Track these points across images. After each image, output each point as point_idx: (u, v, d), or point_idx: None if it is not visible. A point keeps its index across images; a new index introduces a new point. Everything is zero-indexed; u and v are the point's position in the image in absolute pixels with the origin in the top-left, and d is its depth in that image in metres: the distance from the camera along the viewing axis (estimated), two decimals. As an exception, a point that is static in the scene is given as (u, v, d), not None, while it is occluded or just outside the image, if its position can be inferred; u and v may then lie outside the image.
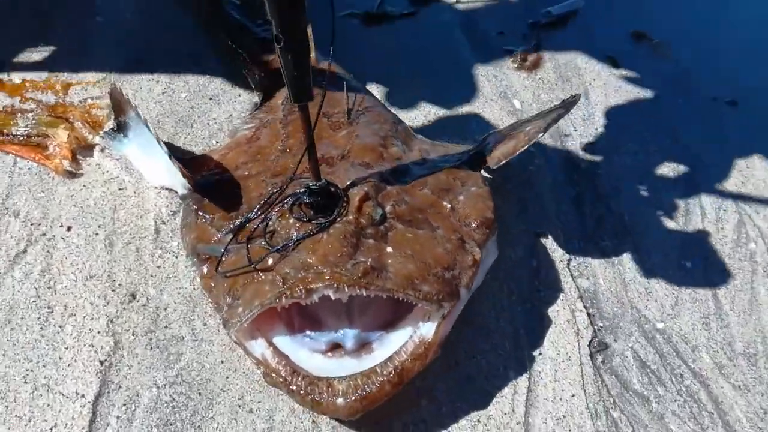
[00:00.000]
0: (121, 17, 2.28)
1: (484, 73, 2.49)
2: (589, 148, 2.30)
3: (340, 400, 1.31)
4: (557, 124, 1.94)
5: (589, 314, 1.79)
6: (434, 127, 2.22)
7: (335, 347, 1.42)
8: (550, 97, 2.46)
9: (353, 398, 1.31)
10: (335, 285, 1.29)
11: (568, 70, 2.60)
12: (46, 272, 1.57)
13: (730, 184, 2.26)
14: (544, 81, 2.53)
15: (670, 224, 2.10)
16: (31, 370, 1.42)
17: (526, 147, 1.73)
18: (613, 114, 2.46)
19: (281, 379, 1.34)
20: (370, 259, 1.35)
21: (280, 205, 1.45)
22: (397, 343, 1.38)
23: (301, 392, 1.33)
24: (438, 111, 2.29)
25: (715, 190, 2.24)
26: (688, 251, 2.01)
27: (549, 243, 1.93)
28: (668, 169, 2.29)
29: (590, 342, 1.73)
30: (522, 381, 1.60)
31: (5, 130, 1.81)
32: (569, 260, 1.90)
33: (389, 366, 1.34)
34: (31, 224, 1.66)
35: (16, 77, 1.99)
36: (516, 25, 2.78)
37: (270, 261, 1.38)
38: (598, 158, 2.26)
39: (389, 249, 1.41)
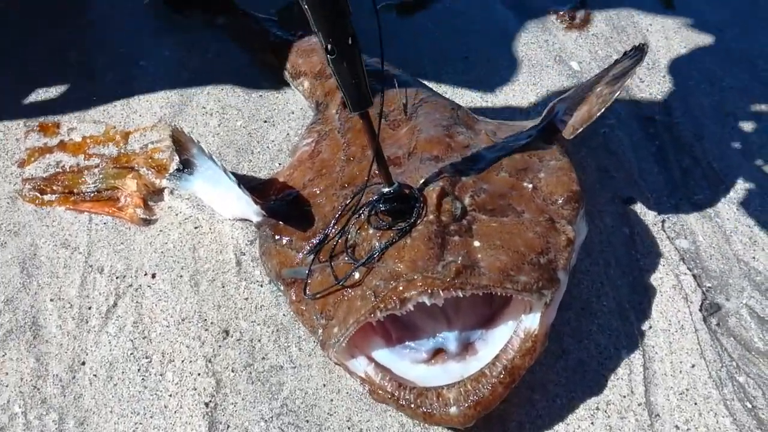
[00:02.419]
0: (161, 57, 2.30)
1: (534, 40, 2.39)
2: (660, 96, 2.17)
3: (453, 410, 1.26)
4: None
5: (694, 276, 1.68)
6: (494, 107, 2.14)
7: (437, 353, 1.39)
8: (607, 52, 2.33)
9: (466, 405, 1.26)
10: (429, 290, 1.24)
11: (621, 20, 2.46)
12: (138, 323, 1.59)
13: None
14: (598, 36, 2.41)
15: (762, 163, 1.96)
16: (140, 423, 1.43)
17: (602, 110, 1.63)
18: (678, 56, 2.32)
19: (388, 395, 1.31)
20: (459, 258, 1.30)
21: (356, 216, 1.42)
22: (501, 340, 1.33)
23: (411, 405, 1.29)
24: (494, 88, 2.20)
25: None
26: (790, 188, 1.87)
27: (638, 207, 1.83)
28: (748, 104, 2.14)
29: (701, 305, 1.62)
30: (636, 359, 1.52)
31: (76, 190, 1.85)
32: (663, 221, 1.80)
33: (498, 366, 1.28)
34: (117, 278, 1.68)
35: (76, 136, 2.03)
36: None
37: (357, 276, 1.35)
38: (672, 106, 2.13)
39: (477, 243, 1.35)
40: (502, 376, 1.27)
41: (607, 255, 1.72)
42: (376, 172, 1.37)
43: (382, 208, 1.38)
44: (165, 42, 2.36)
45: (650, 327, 1.58)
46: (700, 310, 1.61)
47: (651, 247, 1.74)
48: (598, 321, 1.59)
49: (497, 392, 1.27)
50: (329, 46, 1.17)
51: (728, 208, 1.83)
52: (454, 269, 1.27)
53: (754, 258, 1.72)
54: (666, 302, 1.62)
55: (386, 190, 1.37)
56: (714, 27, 2.42)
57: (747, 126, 2.07)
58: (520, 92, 2.19)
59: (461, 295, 1.27)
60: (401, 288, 1.26)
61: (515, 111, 2.11)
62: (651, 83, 2.21)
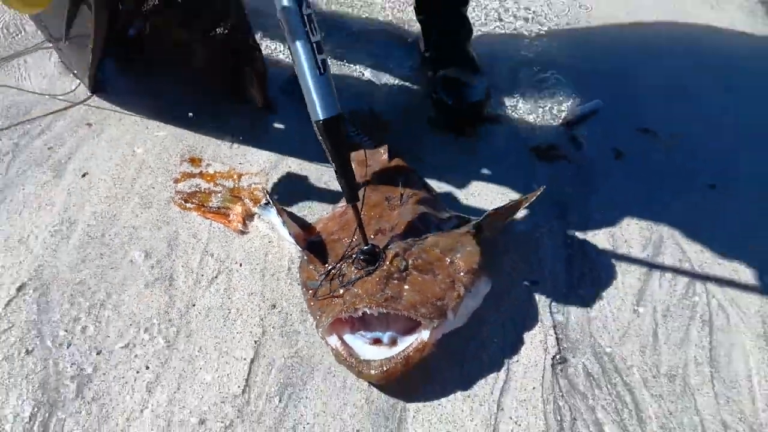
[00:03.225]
0: (269, 134, 3.16)
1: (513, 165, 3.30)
2: (582, 224, 2.99)
3: (372, 372, 2.00)
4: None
5: (557, 338, 2.35)
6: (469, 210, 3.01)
7: (377, 341, 2.08)
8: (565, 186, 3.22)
9: (380, 372, 1.99)
10: (369, 305, 2.02)
11: (582, 167, 3.33)
12: (228, 290, 2.53)
13: (692, 250, 2.75)
14: (563, 171, 3.30)
15: (633, 280, 2.61)
16: (218, 343, 2.40)
17: (506, 222, 2.64)
18: (614, 202, 3.15)
19: (343, 359, 2.06)
20: (390, 292, 2.06)
21: (349, 259, 2.20)
22: (410, 342, 2.03)
23: (353, 366, 2.03)
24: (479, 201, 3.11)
25: (676, 256, 2.74)
26: (642, 299, 2.56)
27: (539, 289, 2.51)
28: (643, 238, 2.78)
29: (554, 357, 2.28)
30: (501, 375, 2.22)
31: (205, 204, 2.65)
32: (551, 302, 2.47)
33: (401, 355, 2.01)
34: (220, 261, 2.50)
35: (210, 170, 2.84)
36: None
37: (341, 291, 2.12)
38: (591, 230, 2.80)
39: (406, 287, 2.11)
40: (401, 360, 2.00)
41: (505, 315, 2.51)
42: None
43: (361, 257, 2.16)
44: (276, 120, 3.38)
45: (517, 360, 2.30)
46: (552, 359, 2.28)
47: (536, 315, 2.43)
48: (488, 351, 2.39)
49: (397, 369, 1.99)
50: (335, 170, 2.09)
51: (598, 303, 2.59)
52: (385, 297, 2.03)
53: (600, 336, 2.44)
54: (532, 349, 2.30)
55: (364, 248, 2.15)
56: (646, 182, 3.33)
57: (635, 252, 2.84)
58: (485, 200, 3.15)
59: (384, 312, 2.01)
60: (356, 302, 2.04)
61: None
62: (583, 213, 3.04)
